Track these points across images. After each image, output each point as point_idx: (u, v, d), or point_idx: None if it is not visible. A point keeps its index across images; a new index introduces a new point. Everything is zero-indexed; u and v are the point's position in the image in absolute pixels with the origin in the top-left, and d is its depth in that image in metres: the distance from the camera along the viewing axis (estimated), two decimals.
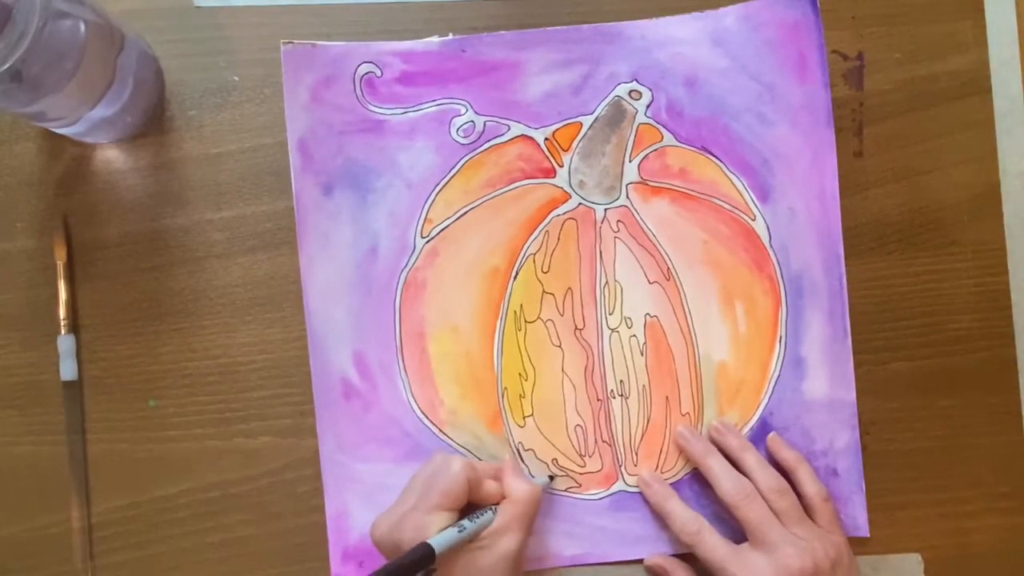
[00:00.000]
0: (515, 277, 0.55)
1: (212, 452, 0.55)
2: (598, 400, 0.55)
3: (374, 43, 0.54)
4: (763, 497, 0.51)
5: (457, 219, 0.55)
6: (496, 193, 0.55)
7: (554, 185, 0.55)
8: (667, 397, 0.55)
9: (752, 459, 0.53)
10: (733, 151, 0.55)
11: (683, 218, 0.55)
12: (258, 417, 0.55)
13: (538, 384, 0.55)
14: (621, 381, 0.55)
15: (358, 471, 0.54)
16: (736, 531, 0.52)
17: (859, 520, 0.55)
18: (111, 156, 0.56)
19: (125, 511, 0.55)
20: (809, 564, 0.49)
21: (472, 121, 0.55)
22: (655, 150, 0.55)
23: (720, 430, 0.54)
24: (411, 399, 0.54)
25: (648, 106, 0.55)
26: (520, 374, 0.55)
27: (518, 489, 0.49)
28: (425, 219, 0.55)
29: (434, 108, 0.55)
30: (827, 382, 0.55)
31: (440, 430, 0.54)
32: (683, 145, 0.55)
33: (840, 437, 0.55)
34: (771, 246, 0.55)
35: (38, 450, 0.55)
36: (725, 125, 0.55)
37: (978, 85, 0.57)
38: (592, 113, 0.55)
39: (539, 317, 0.55)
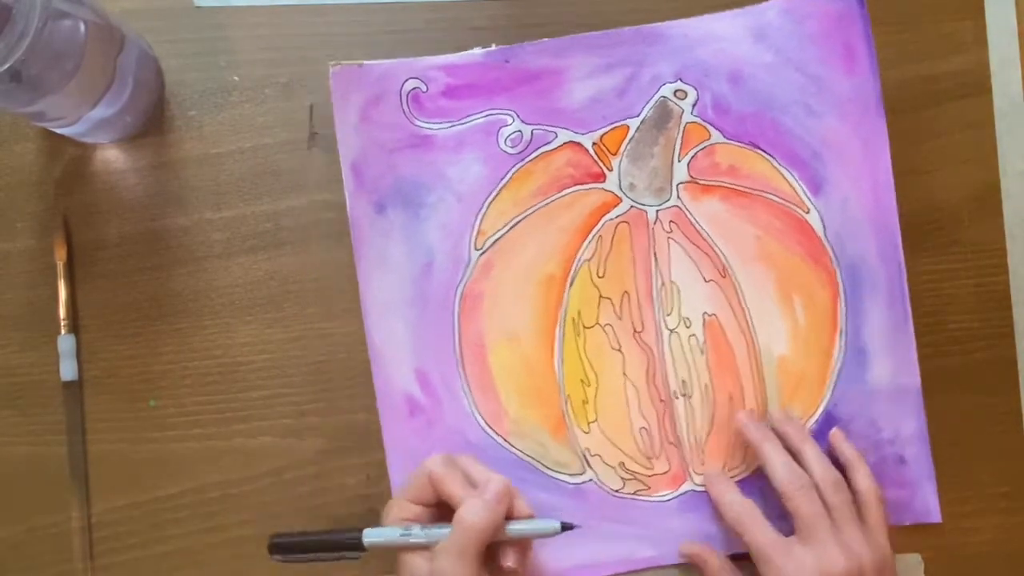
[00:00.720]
0: (571, 284, 0.55)
1: (212, 452, 0.55)
2: (661, 401, 0.55)
3: (419, 59, 0.54)
4: (819, 490, 0.51)
5: (510, 229, 0.55)
6: (547, 201, 0.55)
7: (604, 189, 0.55)
8: (730, 394, 0.55)
9: (811, 451, 0.52)
10: (782, 145, 0.55)
11: (735, 215, 0.55)
12: (258, 417, 0.55)
13: (600, 389, 0.55)
14: (683, 381, 0.55)
15: None
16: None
17: (931, 506, 0.55)
18: (111, 156, 0.56)
19: (125, 511, 0.55)
20: (856, 566, 0.48)
21: (519, 130, 0.54)
22: (703, 148, 0.55)
23: (781, 419, 0.54)
24: (475, 411, 0.54)
25: (694, 105, 0.55)
26: (582, 380, 0.55)
27: (467, 511, 0.46)
28: (478, 231, 0.54)
29: (481, 120, 0.54)
30: (891, 370, 0.55)
31: (505, 440, 0.54)
32: (731, 142, 0.55)
33: (907, 424, 0.55)
34: (826, 238, 0.55)
35: (38, 450, 0.55)
36: (773, 119, 0.55)
37: (978, 85, 0.57)
38: (638, 115, 0.55)
39: (597, 322, 0.55)
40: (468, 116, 0.54)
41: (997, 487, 0.56)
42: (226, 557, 0.55)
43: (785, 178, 0.55)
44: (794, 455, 0.53)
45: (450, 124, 0.54)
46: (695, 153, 0.55)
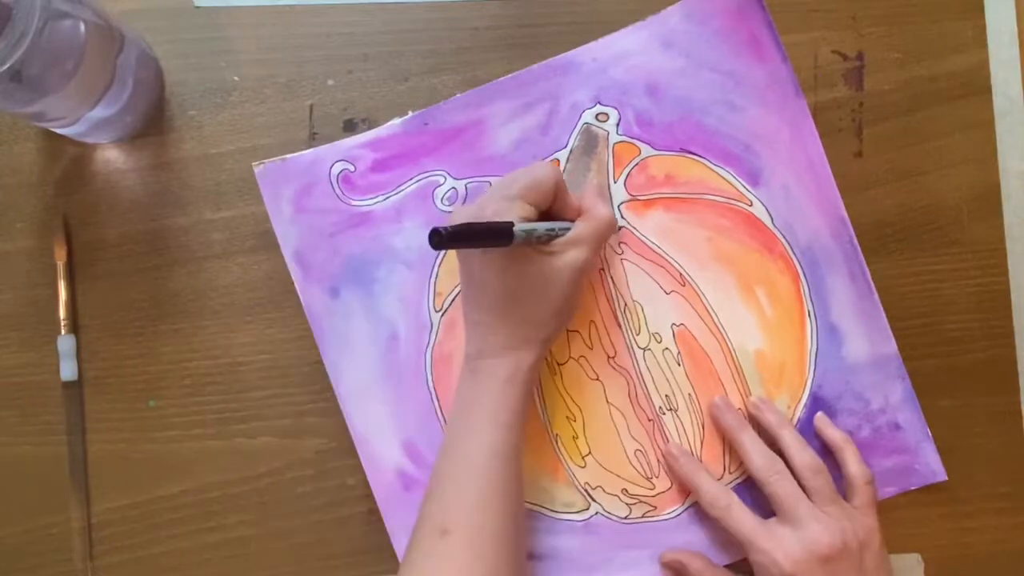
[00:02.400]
0: None
1: (212, 452, 0.55)
2: (649, 420, 0.55)
3: (341, 142, 0.54)
4: (797, 475, 0.51)
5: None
6: None
7: None
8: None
9: (789, 437, 0.52)
10: (712, 145, 0.55)
11: (682, 222, 0.55)
12: (258, 417, 0.55)
13: (587, 421, 0.55)
14: (667, 396, 0.55)
15: None
16: None
17: (933, 466, 0.55)
18: (111, 156, 0.56)
19: (125, 511, 0.55)
20: (838, 541, 0.49)
21: (453, 187, 0.55)
22: (636, 164, 0.55)
23: (758, 406, 0.54)
24: None
25: (618, 124, 0.55)
26: (567, 416, 0.55)
27: (597, 208, 0.50)
28: (435, 293, 0.54)
29: (414, 186, 0.55)
30: (866, 341, 0.55)
31: None
32: (662, 152, 0.55)
33: (893, 391, 0.55)
34: (775, 226, 0.55)
35: (38, 450, 0.55)
36: (697, 122, 0.55)
37: (978, 85, 0.57)
38: (566, 146, 0.55)
39: (571, 356, 0.55)
40: (400, 185, 0.55)
41: (997, 487, 0.56)
42: (226, 557, 0.55)
43: (722, 176, 0.55)
44: (773, 441, 0.53)
45: (385, 196, 0.54)
46: (629, 171, 0.55)
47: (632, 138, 0.55)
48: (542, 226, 0.47)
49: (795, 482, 0.51)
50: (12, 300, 0.55)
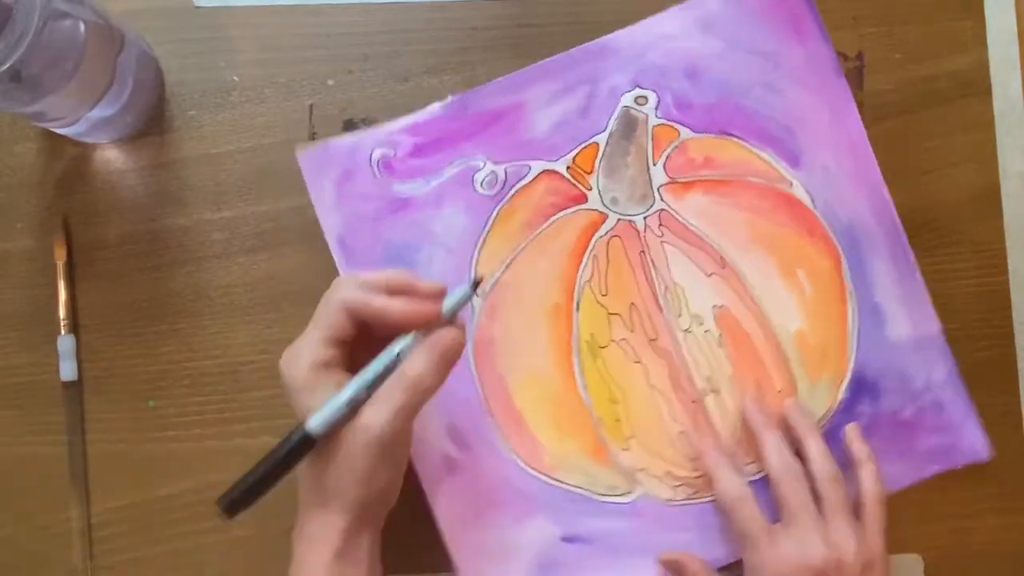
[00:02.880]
0: (577, 308, 0.55)
1: (212, 452, 0.55)
2: (692, 402, 0.54)
3: (381, 126, 0.54)
4: (814, 483, 0.50)
5: (506, 269, 0.54)
6: (536, 233, 0.55)
7: (589, 209, 0.55)
8: (757, 380, 0.55)
9: (814, 444, 0.52)
10: (751, 127, 0.55)
11: (721, 204, 0.55)
12: (258, 417, 0.55)
13: (630, 404, 0.54)
14: (708, 377, 0.55)
15: (483, 540, 0.53)
16: None
17: (978, 444, 0.55)
18: (111, 156, 0.56)
19: (125, 511, 0.55)
20: (835, 556, 0.48)
21: (493, 172, 0.54)
22: (676, 147, 0.55)
23: (792, 410, 0.54)
24: (513, 455, 0.54)
25: (656, 107, 0.55)
26: (610, 400, 0.54)
27: (412, 360, 0.42)
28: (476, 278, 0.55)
29: (454, 170, 0.54)
30: (908, 321, 0.55)
31: (550, 476, 0.54)
32: (701, 135, 0.55)
33: (937, 370, 0.55)
34: (815, 207, 0.55)
35: (38, 450, 0.55)
36: (736, 104, 0.55)
37: (978, 85, 0.57)
38: (605, 130, 0.55)
39: (612, 340, 0.55)
40: (441, 170, 0.54)
41: (997, 487, 0.56)
42: (226, 557, 0.55)
43: (762, 158, 0.55)
44: (799, 445, 0.52)
45: (425, 181, 0.54)
46: (668, 154, 0.55)
47: (671, 121, 0.55)
48: (342, 401, 0.41)
49: (807, 490, 0.50)
50: (12, 300, 0.55)
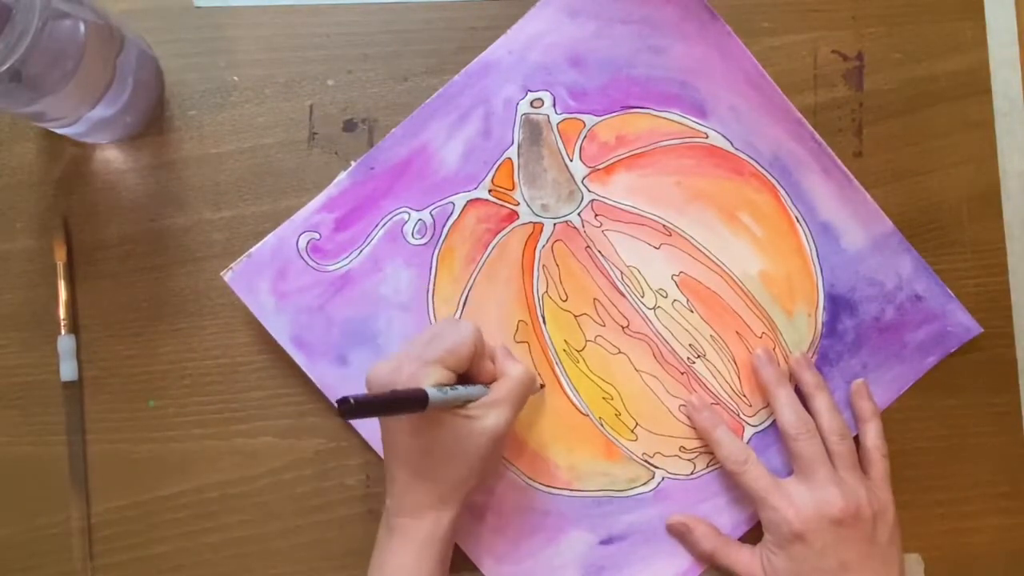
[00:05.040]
0: (544, 322, 0.55)
1: (212, 452, 0.55)
2: (682, 373, 0.55)
3: (296, 215, 0.54)
4: (824, 438, 0.52)
5: (463, 308, 0.55)
6: (481, 263, 0.55)
7: (523, 224, 0.55)
8: (737, 332, 0.55)
9: (823, 400, 0.53)
10: (650, 93, 0.56)
11: (646, 176, 0.56)
12: (258, 417, 0.55)
13: (625, 396, 0.55)
14: (690, 345, 0.55)
15: (527, 569, 0.54)
16: None
17: (966, 323, 0.56)
18: (111, 156, 0.56)
19: (125, 511, 0.55)
20: (852, 506, 0.49)
21: (419, 219, 0.55)
22: (585, 137, 0.56)
23: (800, 363, 0.54)
24: (529, 481, 0.54)
25: (554, 105, 0.56)
26: (604, 398, 0.55)
27: (510, 368, 0.50)
28: None
29: (381, 231, 0.55)
30: (860, 228, 0.55)
31: (571, 490, 0.54)
32: (605, 116, 0.56)
33: (902, 265, 0.56)
34: (736, 149, 0.56)
35: (38, 450, 0.55)
36: (627, 76, 0.56)
37: (978, 85, 0.57)
38: (513, 143, 0.55)
39: (587, 340, 0.55)
40: (369, 235, 0.55)
41: (997, 487, 0.56)
42: (226, 557, 0.55)
43: (670, 120, 0.56)
44: (807, 400, 0.53)
45: (358, 251, 0.54)
46: (580, 145, 0.56)
47: (572, 113, 0.56)
48: (457, 394, 0.46)
49: (822, 445, 0.52)
50: (12, 300, 0.55)
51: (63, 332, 0.54)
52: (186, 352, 0.55)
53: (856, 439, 0.54)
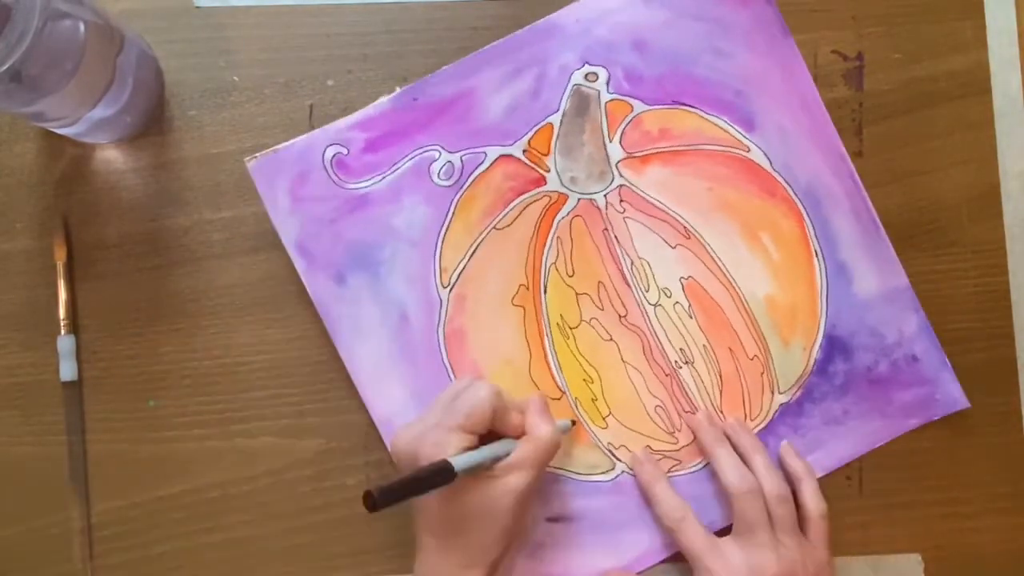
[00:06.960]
0: (545, 291, 0.55)
1: (212, 452, 0.55)
2: (667, 375, 0.55)
3: (331, 125, 0.54)
4: (765, 500, 0.51)
5: (470, 258, 0.55)
6: (497, 219, 0.55)
7: (548, 191, 0.55)
8: (730, 348, 0.55)
9: (760, 461, 0.53)
10: (704, 94, 0.55)
11: (681, 175, 0.55)
12: (258, 417, 0.55)
13: (605, 382, 0.55)
14: (681, 349, 0.55)
15: None
16: None
17: (955, 395, 0.55)
18: (111, 156, 0.56)
19: (125, 511, 0.55)
20: (786, 571, 0.49)
21: (449, 161, 0.54)
22: (630, 122, 0.55)
23: (735, 429, 0.54)
24: None
25: (608, 83, 0.55)
26: (584, 379, 0.55)
27: (540, 428, 0.49)
28: (440, 269, 0.54)
29: (409, 163, 0.54)
30: (875, 276, 0.55)
31: None
32: (654, 107, 0.55)
33: (907, 323, 0.55)
34: (774, 169, 0.55)
35: (38, 450, 0.55)
36: (687, 73, 0.55)
37: (978, 85, 0.57)
38: (558, 110, 0.55)
39: (582, 320, 0.55)
40: (396, 164, 0.54)
41: (997, 487, 0.56)
42: (226, 557, 0.55)
43: (717, 125, 0.55)
44: (745, 461, 0.53)
45: (381, 176, 0.54)
46: (623, 128, 0.55)
47: (623, 95, 0.55)
48: (483, 457, 0.46)
49: (764, 507, 0.51)
50: (12, 300, 0.55)
51: (63, 332, 0.54)
52: (186, 352, 0.55)
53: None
